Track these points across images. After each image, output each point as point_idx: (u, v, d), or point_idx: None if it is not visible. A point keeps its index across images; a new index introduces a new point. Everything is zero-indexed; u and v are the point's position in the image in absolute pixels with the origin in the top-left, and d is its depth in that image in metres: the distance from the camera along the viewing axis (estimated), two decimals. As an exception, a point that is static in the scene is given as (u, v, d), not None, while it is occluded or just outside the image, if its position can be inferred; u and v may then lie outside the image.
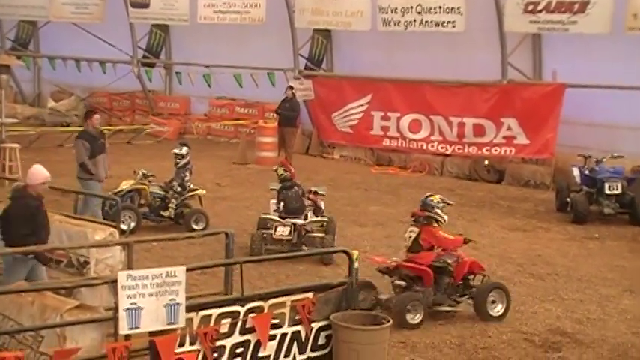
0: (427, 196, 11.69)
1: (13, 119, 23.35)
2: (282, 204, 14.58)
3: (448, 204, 11.77)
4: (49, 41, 31.60)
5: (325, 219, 14.75)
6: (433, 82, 23.05)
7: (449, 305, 11.41)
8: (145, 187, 15.97)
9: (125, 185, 15.96)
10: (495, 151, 22.08)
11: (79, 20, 29.25)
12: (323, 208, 14.94)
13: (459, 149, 22.70)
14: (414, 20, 22.32)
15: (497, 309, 11.33)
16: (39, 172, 10.38)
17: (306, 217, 14.57)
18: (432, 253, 11.42)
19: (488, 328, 10.98)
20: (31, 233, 9.85)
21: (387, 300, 11.25)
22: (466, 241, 11.74)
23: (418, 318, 10.91)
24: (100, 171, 14.97)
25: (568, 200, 17.83)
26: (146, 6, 27.92)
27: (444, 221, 11.55)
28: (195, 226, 15.42)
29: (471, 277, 11.62)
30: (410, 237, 11.48)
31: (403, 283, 11.36)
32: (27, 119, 28.84)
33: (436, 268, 11.34)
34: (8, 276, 9.85)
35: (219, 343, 8.17)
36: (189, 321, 7.96)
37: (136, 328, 7.61)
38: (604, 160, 17.90)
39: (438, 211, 11.47)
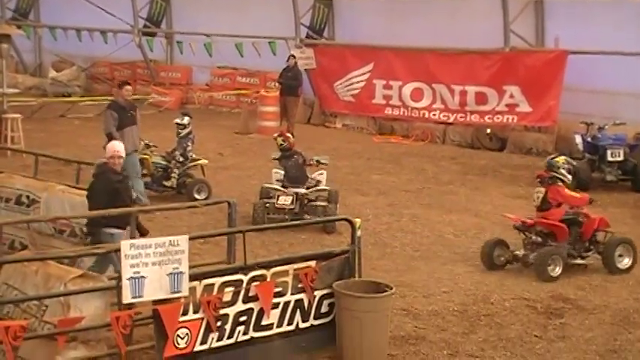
0: (552, 157, 12.59)
1: (15, 89, 23.34)
2: (283, 172, 14.64)
3: (573, 165, 12.62)
4: (50, 11, 31.47)
5: (327, 188, 14.76)
6: (435, 50, 22.94)
7: (580, 259, 12.11)
8: (148, 157, 15.96)
9: (127, 155, 15.94)
10: (498, 118, 22.03)
11: (79, -10, 29.11)
12: (324, 181, 14.89)
13: (461, 117, 22.64)
14: (416, -13, 22.23)
15: (625, 262, 12.07)
16: (109, 147, 10.45)
17: (308, 187, 14.58)
18: (561, 210, 12.12)
19: (490, 295, 11.02)
20: (106, 207, 9.83)
21: (523, 256, 12.06)
22: (591, 201, 12.42)
23: (558, 271, 11.70)
24: (127, 143, 14.66)
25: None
26: (146, -25, 27.80)
27: (569, 180, 12.27)
28: (197, 196, 15.43)
29: (597, 233, 12.35)
30: (538, 197, 12.23)
31: (539, 239, 12.09)
32: (28, 89, 28.85)
33: (568, 223, 12.07)
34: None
35: (222, 311, 8.21)
36: (193, 290, 8.00)
37: (140, 297, 7.64)
38: (606, 127, 17.86)
39: (563, 171, 12.14)
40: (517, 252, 12.15)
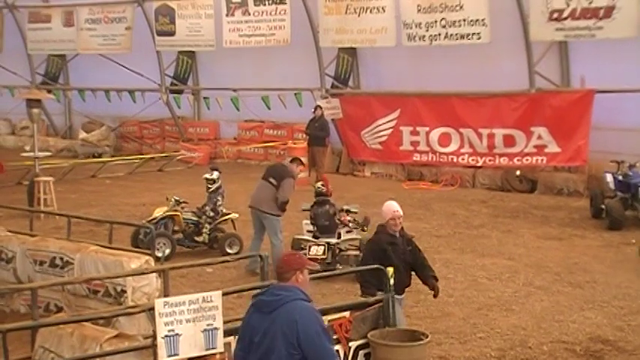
0: None
1: (46, 152, 23.66)
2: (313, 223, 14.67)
3: None
4: (78, 73, 31.96)
5: (359, 237, 14.74)
6: (461, 95, 22.99)
7: None
8: (178, 213, 16.04)
9: (158, 212, 16.03)
10: (527, 160, 21.96)
11: (106, 51, 29.62)
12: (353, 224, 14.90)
13: (489, 160, 22.60)
14: (439, 34, 22.32)
15: None
16: (385, 209, 10.17)
17: (339, 236, 14.57)
18: None
19: (528, 339, 10.90)
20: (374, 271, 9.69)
21: None
22: None
23: None
24: None
25: (603, 207, 17.70)
26: (172, 34, 28.21)
27: None
28: (229, 250, 15.46)
29: None
30: None
31: None
32: (59, 152, 29.27)
33: None
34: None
35: (258, 366, 8.16)
36: (228, 345, 7.96)
37: (175, 355, 7.61)
38: (637, 164, 17.77)
39: None
40: None
